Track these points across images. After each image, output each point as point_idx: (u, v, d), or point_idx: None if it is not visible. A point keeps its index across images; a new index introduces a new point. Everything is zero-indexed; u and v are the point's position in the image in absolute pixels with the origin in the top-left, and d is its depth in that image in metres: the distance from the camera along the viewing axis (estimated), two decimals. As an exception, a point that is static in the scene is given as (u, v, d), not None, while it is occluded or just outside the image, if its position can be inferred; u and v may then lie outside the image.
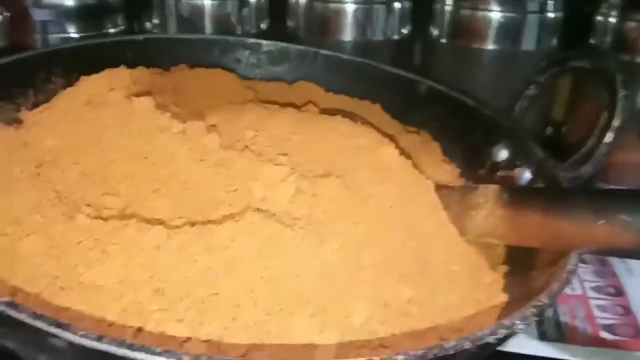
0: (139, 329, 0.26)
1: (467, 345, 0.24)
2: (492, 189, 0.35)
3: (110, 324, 0.26)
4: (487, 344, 0.25)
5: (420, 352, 0.23)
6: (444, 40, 0.67)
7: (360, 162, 0.36)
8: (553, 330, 0.42)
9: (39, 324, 0.22)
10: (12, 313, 0.22)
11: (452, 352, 0.24)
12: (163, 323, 0.26)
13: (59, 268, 0.28)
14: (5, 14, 0.57)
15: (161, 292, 0.27)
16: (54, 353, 0.24)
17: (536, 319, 0.27)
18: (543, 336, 0.42)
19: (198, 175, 0.33)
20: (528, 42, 0.64)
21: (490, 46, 0.64)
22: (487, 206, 0.34)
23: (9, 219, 0.30)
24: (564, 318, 0.44)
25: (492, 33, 0.64)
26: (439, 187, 0.37)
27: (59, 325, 0.22)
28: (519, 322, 0.26)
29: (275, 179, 0.32)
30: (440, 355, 0.23)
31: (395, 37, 0.67)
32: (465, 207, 0.35)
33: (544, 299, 0.28)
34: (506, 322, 0.26)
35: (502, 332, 0.25)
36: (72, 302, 0.27)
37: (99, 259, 0.28)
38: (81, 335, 0.22)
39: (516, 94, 0.46)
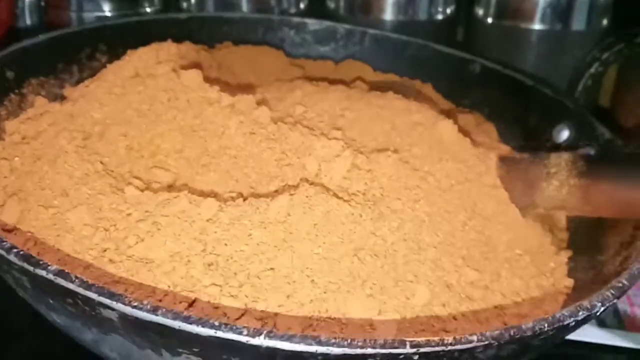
0: (191, 304, 0.25)
1: (546, 327, 0.22)
2: (566, 157, 0.32)
3: (161, 299, 0.25)
4: (565, 326, 0.23)
5: (496, 332, 0.21)
6: (489, 20, 0.65)
7: (416, 138, 0.34)
8: (612, 318, 0.41)
9: (90, 294, 0.21)
10: (62, 282, 0.21)
11: (529, 333, 0.22)
12: (216, 298, 0.25)
13: (108, 240, 0.27)
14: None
15: (214, 267, 0.26)
16: (103, 326, 0.23)
17: (615, 301, 0.25)
18: (602, 324, 0.40)
19: (248, 149, 0.32)
20: (578, 22, 0.61)
21: (538, 26, 0.62)
22: (560, 176, 0.32)
23: (57, 191, 0.29)
24: (622, 306, 0.42)
25: (540, 13, 0.61)
26: (504, 159, 0.35)
27: (111, 295, 0.21)
28: (599, 304, 0.24)
29: (329, 154, 0.31)
30: (517, 336, 0.22)
31: (439, 17, 0.65)
32: (533, 178, 0.33)
33: (624, 280, 0.26)
34: (586, 303, 0.24)
35: (582, 314, 0.23)
36: (122, 275, 0.25)
37: (149, 232, 0.26)
38: (134, 306, 0.21)
39: (578, 73, 0.44)
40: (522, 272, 0.32)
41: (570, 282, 0.33)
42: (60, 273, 0.21)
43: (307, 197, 0.28)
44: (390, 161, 0.32)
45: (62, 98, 0.40)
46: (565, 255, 0.35)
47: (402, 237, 0.29)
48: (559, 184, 0.31)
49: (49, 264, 0.22)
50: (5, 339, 0.34)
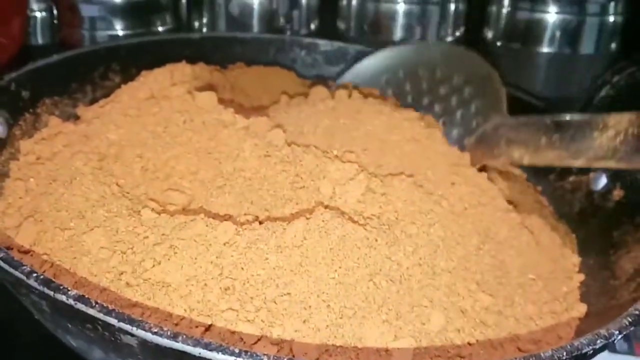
0: (208, 328, 0.25)
1: (564, 355, 0.22)
2: (631, 117, 0.32)
3: (177, 323, 0.25)
4: (583, 354, 0.23)
5: (515, 361, 0.21)
6: (499, 43, 0.65)
7: (429, 159, 0.34)
8: (622, 343, 0.40)
9: (110, 319, 0.21)
10: (82, 307, 0.21)
11: (548, 362, 0.22)
12: (232, 323, 0.25)
13: (125, 263, 0.27)
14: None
15: (231, 291, 0.26)
16: (121, 351, 0.23)
17: (632, 328, 0.25)
18: (612, 348, 0.39)
19: (263, 171, 0.32)
20: (587, 46, 0.62)
21: (547, 49, 0.62)
22: (619, 126, 0.32)
23: (73, 213, 0.29)
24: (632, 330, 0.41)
25: (549, 36, 0.62)
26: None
27: (131, 321, 0.21)
28: (616, 331, 0.24)
29: (344, 177, 0.31)
30: (536, 365, 0.22)
31: (449, 38, 0.66)
32: (585, 126, 0.33)
33: (641, 308, 0.26)
34: (603, 331, 0.24)
35: (599, 342, 0.23)
36: (138, 299, 0.26)
37: (166, 255, 0.27)
38: (154, 333, 0.21)
39: (590, 96, 0.44)
40: (535, 297, 0.32)
41: (583, 307, 0.33)
42: (80, 298, 0.21)
43: (323, 221, 0.28)
44: (405, 185, 0.32)
45: (75, 118, 0.40)
46: (577, 280, 0.35)
47: (417, 262, 0.29)
48: (615, 133, 0.31)
49: (69, 288, 0.22)
50: (11, 350, 0.34)
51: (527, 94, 0.47)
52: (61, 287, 0.22)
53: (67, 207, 0.30)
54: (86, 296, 0.21)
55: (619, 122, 0.32)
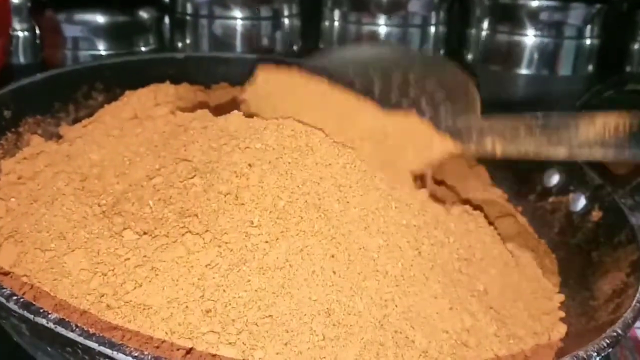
0: (189, 352, 0.25)
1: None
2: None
3: (158, 346, 0.25)
4: (563, 377, 0.23)
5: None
6: (478, 65, 0.66)
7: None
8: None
9: (90, 343, 0.21)
10: (62, 331, 0.21)
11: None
12: (214, 346, 0.25)
13: (106, 285, 0.27)
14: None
15: (212, 313, 0.26)
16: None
17: (610, 349, 0.25)
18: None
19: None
20: (565, 68, 0.63)
21: (526, 71, 0.63)
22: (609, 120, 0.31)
23: (54, 234, 0.29)
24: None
25: (528, 58, 0.63)
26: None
27: (112, 345, 0.21)
28: (595, 353, 0.24)
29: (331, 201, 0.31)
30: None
31: (431, 60, 0.66)
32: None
33: (618, 329, 0.26)
34: (582, 353, 0.24)
35: (578, 365, 0.23)
36: (119, 322, 0.25)
37: (147, 277, 0.26)
38: (134, 357, 0.21)
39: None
40: (516, 317, 0.32)
41: (563, 328, 0.33)
42: (60, 322, 0.21)
43: (305, 245, 0.28)
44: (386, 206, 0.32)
45: (58, 137, 0.40)
46: (558, 300, 0.36)
47: (398, 285, 0.29)
48: (603, 125, 0.31)
49: (49, 312, 0.22)
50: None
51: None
52: (41, 311, 0.22)
53: (48, 227, 0.30)
54: (66, 319, 0.21)
55: (606, 117, 0.32)
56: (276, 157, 0.30)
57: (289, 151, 0.30)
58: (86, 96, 0.44)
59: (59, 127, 0.41)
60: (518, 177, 0.45)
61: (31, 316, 0.22)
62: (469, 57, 0.65)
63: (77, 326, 0.21)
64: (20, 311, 0.22)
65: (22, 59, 0.62)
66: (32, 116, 0.40)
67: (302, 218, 0.28)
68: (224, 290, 0.26)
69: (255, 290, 0.26)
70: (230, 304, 0.26)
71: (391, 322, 0.27)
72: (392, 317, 0.28)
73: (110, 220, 0.30)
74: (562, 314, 0.35)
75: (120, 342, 0.21)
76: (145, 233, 0.29)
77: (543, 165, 0.43)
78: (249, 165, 0.29)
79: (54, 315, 0.21)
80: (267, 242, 0.28)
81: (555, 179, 0.43)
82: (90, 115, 0.41)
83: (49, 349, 0.23)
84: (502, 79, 0.62)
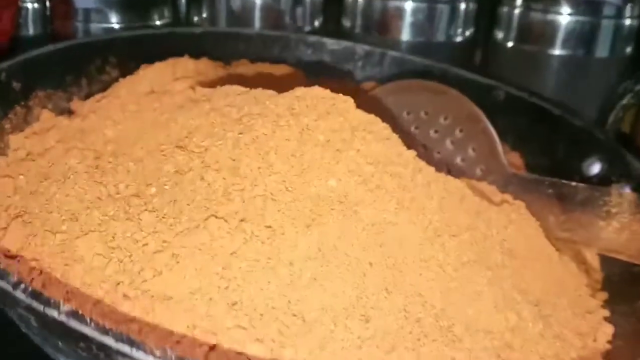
0: (212, 348, 0.23)
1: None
2: (630, 198, 0.30)
3: (179, 341, 0.23)
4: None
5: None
6: (509, 44, 0.63)
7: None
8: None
9: (106, 339, 0.19)
10: (75, 325, 0.19)
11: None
12: (240, 342, 0.23)
13: (122, 273, 0.24)
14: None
15: (238, 306, 0.23)
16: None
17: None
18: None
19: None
20: (602, 49, 0.60)
21: (559, 52, 0.60)
22: (622, 218, 0.30)
23: (66, 215, 0.27)
24: None
25: (562, 38, 0.60)
26: (561, 185, 0.33)
27: (130, 342, 0.18)
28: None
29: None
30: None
31: (458, 39, 0.64)
32: (590, 213, 0.31)
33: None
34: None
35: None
36: (136, 313, 0.23)
37: (167, 265, 0.24)
38: (156, 357, 0.18)
39: (609, 103, 0.42)
40: (560, 316, 0.30)
41: (610, 328, 0.31)
42: (73, 314, 0.19)
43: (342, 231, 0.25)
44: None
45: (69, 112, 0.38)
46: (600, 298, 0.33)
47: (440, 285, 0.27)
48: (620, 227, 0.29)
49: (61, 303, 0.19)
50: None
51: (542, 99, 0.45)
52: (52, 301, 0.19)
53: (59, 208, 0.27)
54: (80, 312, 0.19)
55: (620, 209, 0.30)
56: (316, 144, 0.27)
57: (329, 133, 0.28)
58: (100, 70, 0.42)
59: (71, 102, 0.39)
60: (554, 164, 0.42)
61: (40, 307, 0.19)
62: (500, 36, 0.62)
63: (92, 320, 0.19)
64: (28, 301, 0.20)
65: (31, 31, 0.59)
66: (43, 89, 0.38)
67: (337, 205, 0.26)
68: (251, 282, 0.24)
69: (286, 283, 0.24)
70: (257, 297, 0.24)
71: (432, 321, 0.25)
72: (433, 315, 0.25)
73: (127, 201, 0.27)
74: (607, 312, 0.32)
75: (140, 340, 0.18)
76: (164, 216, 0.26)
77: (583, 153, 0.41)
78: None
79: (66, 307, 0.19)
80: (297, 229, 0.25)
81: (595, 168, 0.40)
82: (103, 90, 0.39)
83: (59, 343, 0.21)
84: (535, 59, 0.58)
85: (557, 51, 0.58)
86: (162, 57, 0.41)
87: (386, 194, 0.27)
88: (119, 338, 0.19)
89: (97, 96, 0.36)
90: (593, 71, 0.56)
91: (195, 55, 0.43)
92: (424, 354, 0.24)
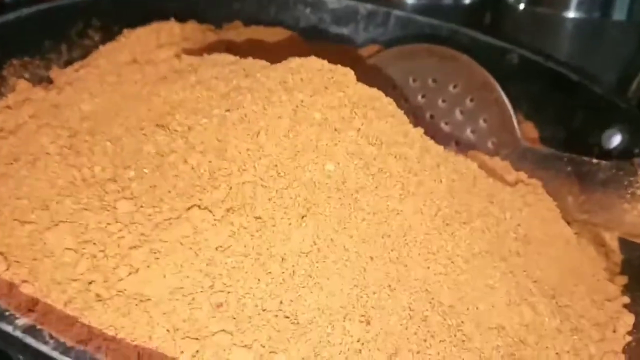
0: (195, 355, 0.20)
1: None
2: None
3: (158, 346, 0.20)
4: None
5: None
6: (521, 6, 0.60)
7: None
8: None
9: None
10: (32, 342, 0.17)
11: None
12: (225, 349, 0.20)
13: (95, 270, 0.22)
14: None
15: (224, 308, 0.21)
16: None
17: None
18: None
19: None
20: (619, 11, 0.56)
21: (574, 14, 0.56)
22: None
23: (35, 202, 0.24)
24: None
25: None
26: (581, 162, 0.30)
27: (95, 363, 0.16)
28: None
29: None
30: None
31: (466, 1, 0.60)
32: (613, 194, 0.28)
33: None
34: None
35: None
36: (111, 316, 0.21)
37: (145, 261, 0.22)
38: (125, 378, 0.16)
39: (631, 70, 0.39)
40: (577, 306, 0.28)
41: (630, 318, 0.29)
42: (30, 330, 0.17)
43: (339, 223, 0.23)
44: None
45: (48, 81, 0.35)
46: (620, 282, 0.31)
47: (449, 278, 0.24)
48: None
49: (17, 315, 0.17)
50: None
51: (559, 64, 0.42)
52: (7, 314, 0.17)
53: (29, 194, 0.25)
54: (36, 325, 0.17)
55: None
56: (311, 123, 0.25)
57: (327, 111, 0.25)
58: (81, 34, 0.39)
59: (50, 71, 0.36)
60: (572, 135, 0.39)
61: (-6, 321, 0.17)
62: (512, -2, 0.58)
63: (51, 336, 0.16)
64: (-19, 314, 0.17)
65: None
66: (19, 57, 0.35)
67: (334, 193, 0.23)
68: (239, 280, 0.21)
69: (277, 283, 0.21)
70: (245, 297, 0.21)
71: (439, 319, 0.23)
72: (440, 313, 0.23)
73: (102, 187, 0.25)
74: (627, 299, 0.30)
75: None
76: (143, 205, 0.24)
77: (602, 123, 0.38)
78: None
79: (22, 321, 0.17)
80: (290, 220, 0.23)
81: (616, 139, 0.37)
82: (85, 56, 0.36)
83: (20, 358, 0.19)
84: (548, 23, 0.55)
85: (571, 14, 0.54)
86: (149, 19, 0.38)
87: (390, 178, 0.25)
88: (82, 357, 0.16)
89: (76, 65, 0.33)
90: (610, 36, 0.53)
91: (186, 16, 0.40)
92: (430, 357, 0.22)
